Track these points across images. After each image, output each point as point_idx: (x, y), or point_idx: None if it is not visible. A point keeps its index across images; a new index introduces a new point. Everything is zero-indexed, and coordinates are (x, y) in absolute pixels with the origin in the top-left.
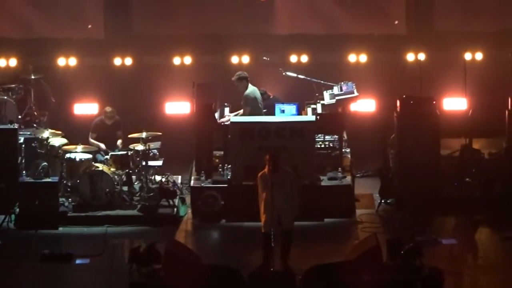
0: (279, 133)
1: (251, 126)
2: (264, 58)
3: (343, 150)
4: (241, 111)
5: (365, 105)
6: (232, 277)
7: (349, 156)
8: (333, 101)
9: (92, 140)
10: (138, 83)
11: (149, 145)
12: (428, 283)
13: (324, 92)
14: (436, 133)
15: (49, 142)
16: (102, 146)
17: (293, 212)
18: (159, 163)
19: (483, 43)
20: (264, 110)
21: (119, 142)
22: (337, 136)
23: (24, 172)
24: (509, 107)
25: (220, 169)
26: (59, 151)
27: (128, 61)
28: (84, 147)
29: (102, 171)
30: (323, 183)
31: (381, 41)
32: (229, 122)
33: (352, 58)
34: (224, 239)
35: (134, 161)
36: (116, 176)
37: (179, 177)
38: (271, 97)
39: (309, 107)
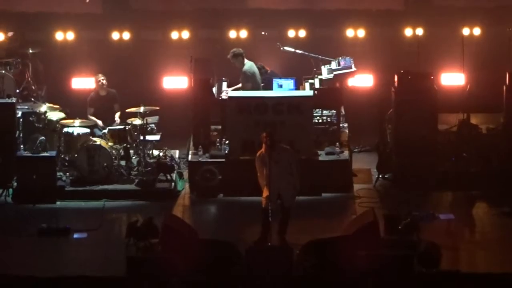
0: (277, 108)
1: (249, 101)
2: (262, 33)
3: (341, 125)
4: (239, 85)
5: (363, 80)
6: (229, 251)
7: (346, 131)
8: (331, 76)
9: (90, 116)
10: (136, 57)
11: (146, 120)
12: (425, 258)
13: (322, 67)
14: (433, 108)
15: (47, 117)
16: (100, 122)
17: (293, 188)
18: (156, 137)
19: (481, 19)
20: (262, 85)
21: (117, 115)
22: (334, 111)
23: (22, 146)
24: (507, 82)
25: (217, 144)
26: (57, 125)
27: (126, 35)
28: (82, 121)
29: (100, 145)
30: (320, 158)
31: (379, 16)
32: (226, 96)
33: (350, 33)
34: (221, 214)
35: (132, 136)
36: (113, 151)
37: (177, 151)
38: (268, 71)
39: (307, 82)
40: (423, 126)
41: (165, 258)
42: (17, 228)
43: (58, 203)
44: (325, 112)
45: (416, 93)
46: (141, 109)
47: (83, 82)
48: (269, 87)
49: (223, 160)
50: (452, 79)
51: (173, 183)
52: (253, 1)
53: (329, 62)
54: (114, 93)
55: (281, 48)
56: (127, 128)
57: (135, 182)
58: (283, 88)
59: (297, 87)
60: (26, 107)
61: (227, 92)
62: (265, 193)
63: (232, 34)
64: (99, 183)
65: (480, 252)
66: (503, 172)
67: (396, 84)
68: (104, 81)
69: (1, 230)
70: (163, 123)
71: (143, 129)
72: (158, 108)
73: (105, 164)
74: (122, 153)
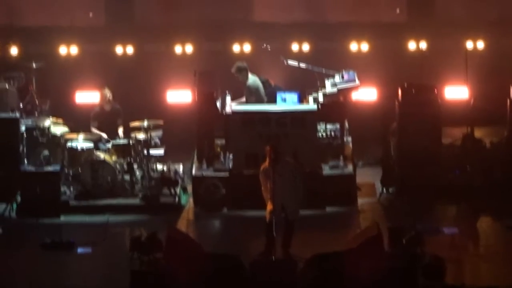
0: (280, 121)
1: (252, 114)
2: (264, 45)
3: (345, 138)
4: (243, 99)
5: (366, 94)
6: (233, 265)
7: (350, 144)
8: (335, 89)
9: (94, 130)
10: (140, 71)
11: (150, 134)
12: (430, 271)
13: (326, 81)
14: (437, 122)
15: (51, 131)
16: (104, 135)
17: (297, 202)
18: (160, 151)
19: (485, 31)
20: (266, 99)
21: (120, 130)
22: (338, 125)
23: (25, 160)
24: (511, 95)
25: (221, 158)
26: (61, 139)
27: (130, 49)
28: (86, 135)
29: (103, 159)
30: (324, 172)
31: (382, 29)
32: (230, 110)
33: (353, 46)
34: (225, 228)
35: (136, 150)
36: (117, 165)
37: (181, 165)
38: (272, 85)
39: (311, 95)
40: (427, 139)
41: (169, 272)
42: (21, 242)
43: (62, 217)
44: (329, 126)
45: (420, 106)
46: (145, 123)
47: (87, 96)
48: (273, 101)
49: (227, 174)
50: (456, 92)
51: (177, 197)
52: (256, 15)
53: (332, 76)
54: (118, 109)
55: (285, 62)
56: (131, 142)
57: (139, 196)
58: (287, 101)
59: (300, 101)
60: (30, 121)
61: (231, 106)
62: (269, 206)
63: (236, 47)
64: (103, 197)
65: (484, 265)
66: (506, 185)
67: (399, 97)
68: (110, 96)
69: (5, 244)
70: (167, 137)
71: (147, 143)
72: (162, 122)
73: (109, 178)
74: (126, 167)
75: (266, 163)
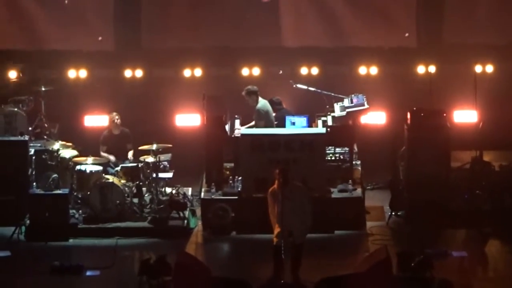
0: (289, 145)
1: (261, 138)
2: (280, 72)
3: (354, 162)
4: (252, 123)
5: (375, 118)
6: None
7: (359, 168)
8: (344, 113)
9: (102, 153)
10: (149, 95)
11: (159, 157)
12: None
13: (335, 105)
14: (446, 146)
15: (60, 154)
16: (112, 158)
17: (305, 225)
18: (169, 175)
19: (494, 56)
20: (275, 123)
21: (130, 154)
22: (347, 149)
23: (34, 184)
24: None
25: (230, 181)
26: (70, 163)
27: (139, 73)
28: (95, 159)
29: (112, 183)
30: (333, 196)
31: (391, 53)
32: (239, 134)
33: (362, 70)
34: (234, 252)
35: (145, 173)
36: (126, 188)
37: (190, 189)
38: (284, 108)
39: (320, 119)
40: (436, 163)
41: None
42: (29, 266)
43: (70, 240)
44: (338, 150)
45: (429, 130)
46: (154, 146)
47: (96, 120)
48: (282, 124)
49: (236, 197)
50: (465, 116)
51: (185, 221)
52: (265, 39)
53: (341, 100)
54: (128, 132)
55: (294, 86)
56: (139, 165)
57: (148, 219)
58: (296, 125)
59: (309, 125)
60: (39, 144)
61: (240, 129)
62: (277, 230)
63: (245, 71)
64: (112, 220)
65: None
66: None
67: (408, 121)
68: (118, 120)
69: (13, 268)
70: (176, 160)
71: (156, 167)
72: (170, 145)
73: (117, 201)
74: (135, 191)
75: (275, 186)
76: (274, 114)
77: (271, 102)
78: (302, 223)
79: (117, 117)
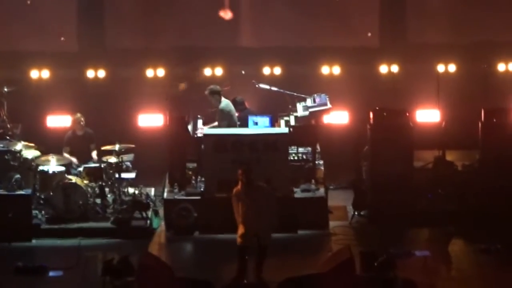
0: (253, 145)
1: (225, 138)
2: (242, 72)
3: (317, 162)
4: (215, 123)
5: (338, 117)
6: None
7: (322, 168)
8: (306, 113)
9: (65, 154)
10: (112, 95)
11: (122, 158)
12: None
13: (297, 104)
14: (409, 145)
15: (22, 155)
16: (74, 160)
17: (270, 226)
18: (132, 175)
19: (456, 55)
20: (238, 123)
21: (94, 154)
22: (310, 148)
23: None
24: (482, 119)
25: (193, 182)
26: (32, 163)
27: (101, 73)
28: (58, 158)
29: (75, 183)
30: (296, 195)
31: (354, 53)
32: (202, 134)
33: (325, 70)
34: (197, 252)
35: (107, 174)
36: (89, 189)
37: (152, 189)
38: (247, 108)
39: (282, 119)
40: (398, 163)
41: None
42: None
43: (33, 241)
44: (300, 149)
45: (392, 130)
46: (117, 147)
47: (59, 120)
48: (245, 124)
49: (199, 197)
50: (428, 115)
51: (148, 221)
52: (227, 39)
53: (304, 99)
54: (91, 133)
55: (257, 85)
56: (102, 166)
57: (110, 220)
58: (259, 125)
59: (272, 124)
60: (1, 145)
61: (203, 129)
62: (241, 230)
63: (208, 71)
64: (74, 221)
65: None
66: (479, 208)
67: (371, 121)
68: (83, 122)
69: None
70: (139, 160)
71: (119, 167)
72: (133, 145)
73: (80, 202)
74: (98, 191)
75: (239, 187)
76: (237, 114)
77: (234, 102)
78: (267, 223)
79: (82, 118)
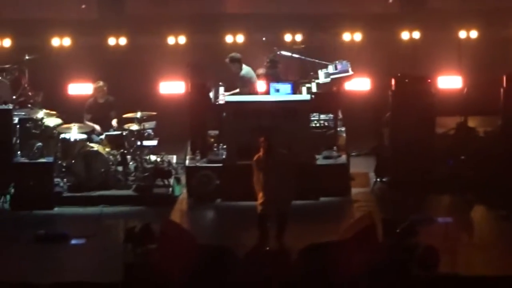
0: (274, 112)
1: (246, 105)
2: (263, 39)
3: (338, 129)
4: (237, 91)
5: (360, 84)
6: (227, 256)
7: (344, 135)
8: (328, 80)
9: (87, 122)
10: (133, 63)
11: (143, 125)
12: (424, 261)
13: (319, 71)
14: (431, 112)
15: (44, 123)
16: (97, 127)
17: (290, 193)
18: (154, 143)
19: (478, 21)
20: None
21: (114, 122)
22: (332, 115)
23: (18, 152)
24: (504, 84)
25: (215, 149)
26: (54, 131)
27: (122, 41)
28: (79, 126)
29: (97, 151)
30: (318, 162)
31: (375, 19)
32: (223, 101)
33: (346, 37)
34: (219, 219)
35: (129, 141)
36: (111, 156)
37: (174, 156)
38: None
39: (304, 86)
40: (420, 129)
41: (162, 264)
42: (14, 234)
43: (55, 209)
44: (322, 116)
45: (413, 96)
46: (138, 114)
47: (80, 88)
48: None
49: (221, 165)
50: (449, 82)
51: (170, 189)
52: (249, 6)
53: (326, 66)
54: (112, 100)
55: (278, 53)
56: (124, 133)
57: (132, 187)
58: (280, 92)
59: (294, 91)
60: (23, 113)
61: (224, 96)
62: (261, 198)
63: (229, 38)
64: (96, 189)
65: (478, 255)
66: (500, 174)
67: (393, 87)
68: (105, 88)
69: None
70: (160, 128)
71: (140, 135)
72: (155, 113)
73: (102, 169)
74: (119, 159)
75: (260, 154)
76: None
77: (273, 61)
78: (287, 190)
79: (103, 85)
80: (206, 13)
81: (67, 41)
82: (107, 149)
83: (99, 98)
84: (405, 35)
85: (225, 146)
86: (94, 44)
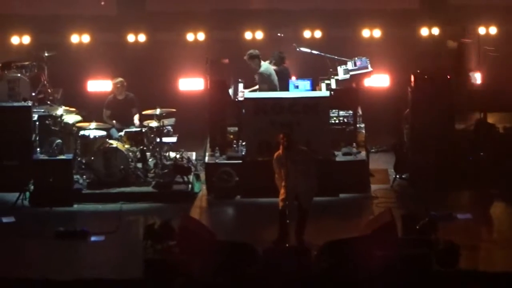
0: (293, 108)
1: (265, 102)
2: (278, 34)
3: (358, 125)
4: (256, 87)
5: (379, 80)
6: (247, 252)
7: (363, 131)
8: (347, 76)
9: (106, 118)
10: (152, 59)
11: (163, 122)
12: (444, 257)
13: (338, 68)
14: (450, 108)
15: (63, 119)
16: (115, 123)
17: (310, 189)
18: (173, 139)
19: (497, 17)
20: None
21: (136, 118)
22: (351, 112)
23: (38, 149)
24: None
25: (234, 145)
26: (73, 128)
27: (142, 37)
28: (98, 124)
29: (116, 148)
30: (337, 159)
31: (394, 15)
32: (243, 98)
33: (366, 33)
34: (239, 215)
35: (148, 138)
36: (130, 153)
37: (194, 153)
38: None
39: (323, 82)
40: (439, 125)
41: (182, 260)
42: (34, 231)
43: (75, 206)
44: (341, 113)
45: (433, 92)
46: (157, 111)
47: (99, 85)
48: (286, 81)
49: (240, 161)
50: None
51: (190, 185)
52: (268, 2)
53: (345, 63)
54: (132, 97)
55: (297, 49)
56: (143, 130)
57: (152, 184)
58: (300, 89)
59: (313, 88)
60: (42, 110)
61: (244, 93)
62: (282, 194)
63: (248, 35)
64: (116, 185)
65: (498, 251)
66: None
67: (412, 84)
68: (124, 84)
69: (18, 233)
70: (180, 125)
71: (160, 131)
72: (174, 110)
73: (121, 166)
74: (139, 156)
75: (280, 151)
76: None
77: (279, 57)
78: (308, 186)
79: (122, 82)
80: (225, 9)
81: (86, 38)
82: (127, 146)
83: (118, 94)
84: (424, 31)
85: (244, 143)
86: (113, 40)
